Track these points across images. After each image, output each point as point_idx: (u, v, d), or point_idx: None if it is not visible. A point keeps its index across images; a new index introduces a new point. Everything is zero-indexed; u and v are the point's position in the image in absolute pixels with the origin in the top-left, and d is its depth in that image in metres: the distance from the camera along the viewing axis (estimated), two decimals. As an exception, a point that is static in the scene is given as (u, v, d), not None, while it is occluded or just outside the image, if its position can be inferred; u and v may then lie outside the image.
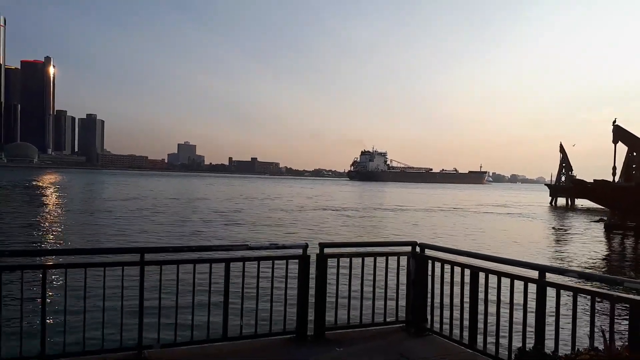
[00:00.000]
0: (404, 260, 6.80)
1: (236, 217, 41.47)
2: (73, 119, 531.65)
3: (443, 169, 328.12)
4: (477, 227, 41.33)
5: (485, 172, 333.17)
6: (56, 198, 58.68)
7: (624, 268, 24.14)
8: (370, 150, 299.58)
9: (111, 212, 41.46)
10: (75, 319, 5.82)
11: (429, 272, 6.59)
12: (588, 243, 33.27)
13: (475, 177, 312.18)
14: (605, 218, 45.26)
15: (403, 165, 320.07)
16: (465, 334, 5.90)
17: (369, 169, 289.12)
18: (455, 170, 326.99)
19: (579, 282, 5.20)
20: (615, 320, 4.39)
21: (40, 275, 5.04)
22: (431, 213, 55.61)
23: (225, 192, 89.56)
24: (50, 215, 38.18)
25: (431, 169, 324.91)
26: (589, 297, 4.64)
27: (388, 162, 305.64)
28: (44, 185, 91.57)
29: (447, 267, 6.29)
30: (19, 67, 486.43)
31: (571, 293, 4.80)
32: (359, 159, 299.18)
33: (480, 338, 5.71)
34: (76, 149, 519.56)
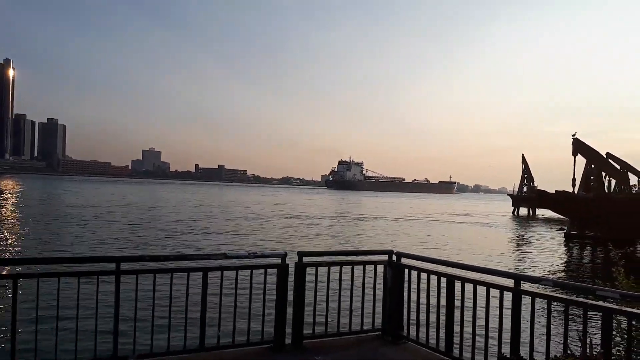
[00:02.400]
0: (381, 269, 6.87)
1: (211, 226, 40.93)
2: (33, 123, 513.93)
3: (415, 179, 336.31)
4: (447, 236, 42.14)
5: (455, 183, 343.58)
6: (16, 205, 56.60)
7: (585, 276, 24.98)
8: (348, 160, 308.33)
9: (71, 220, 40.28)
10: (47, 330, 5.64)
11: (406, 281, 6.67)
12: (549, 251, 34.35)
13: (445, 187, 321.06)
14: (565, 227, 46.79)
15: (378, 175, 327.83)
16: (442, 341, 5.98)
17: (347, 178, 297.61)
18: (427, 180, 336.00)
19: (553, 290, 5.35)
20: (588, 328, 4.54)
21: (12, 285, 4.87)
22: (405, 222, 56.34)
23: (198, 200, 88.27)
24: (8, 223, 36.79)
25: (404, 179, 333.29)
26: (562, 305, 4.79)
27: (364, 172, 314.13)
28: (1, 191, 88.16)
29: (424, 275, 6.38)
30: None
31: (545, 301, 4.94)
32: (336, 168, 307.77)
33: (456, 346, 5.80)
34: (36, 154, 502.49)
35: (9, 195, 76.68)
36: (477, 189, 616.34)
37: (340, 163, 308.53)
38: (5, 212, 45.23)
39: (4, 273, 5.48)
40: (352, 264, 6.83)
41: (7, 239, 27.73)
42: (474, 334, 5.59)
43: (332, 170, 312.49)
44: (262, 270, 6.16)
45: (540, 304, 5.01)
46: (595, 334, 4.49)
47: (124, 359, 5.29)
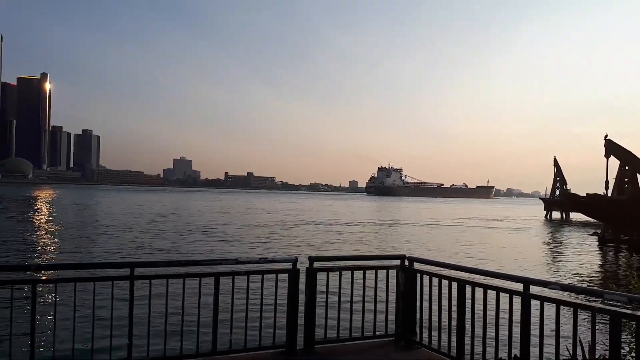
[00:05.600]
0: (393, 274, 6.87)
1: (243, 233, 41.41)
2: (69, 134, 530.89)
3: (453, 184, 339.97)
4: (478, 241, 41.65)
5: (493, 187, 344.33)
6: (48, 213, 58.44)
7: (612, 280, 24.25)
8: (387, 167, 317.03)
9: (102, 227, 41.35)
10: (64, 334, 5.84)
11: (418, 285, 6.65)
12: (582, 256, 33.43)
13: (483, 192, 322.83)
14: (598, 231, 45.44)
15: (416, 181, 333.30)
16: (453, 346, 5.95)
17: (386, 184, 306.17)
18: (465, 185, 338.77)
19: (563, 294, 5.28)
20: (597, 332, 4.46)
21: (31, 290, 5.08)
22: (438, 227, 55.91)
23: (225, 207, 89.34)
24: (40, 230, 38.02)
25: (442, 184, 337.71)
26: (571, 309, 4.71)
27: (403, 178, 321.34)
28: (37, 200, 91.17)
29: (435, 280, 6.35)
30: (15, 84, 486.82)
31: (554, 305, 4.88)
32: (376, 175, 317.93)
33: (467, 350, 5.76)
34: (71, 165, 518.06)
35: (43, 204, 79.17)
36: (509, 192, 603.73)
37: (380, 169, 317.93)
38: (36, 221, 46.71)
39: (23, 279, 5.71)
40: (364, 268, 6.85)
41: (31, 246, 28.64)
42: (484, 339, 5.55)
43: (372, 177, 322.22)
44: (274, 275, 6.24)
45: (549, 307, 4.95)
46: (605, 338, 4.41)
47: None
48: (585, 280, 24.43)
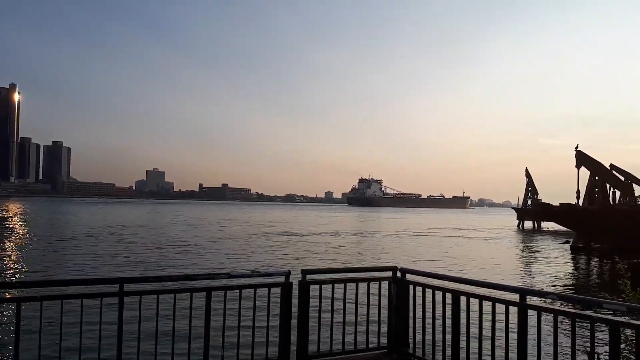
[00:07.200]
0: (385, 285, 6.82)
1: (226, 245, 40.85)
2: (38, 146, 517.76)
3: (430, 195, 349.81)
4: (456, 251, 42.09)
5: (468, 197, 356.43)
6: (20, 229, 56.74)
7: (592, 288, 24.74)
8: (368, 178, 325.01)
9: (78, 242, 40.32)
10: (51, 352, 5.62)
11: (411, 297, 6.61)
12: (556, 264, 34.09)
13: (460, 202, 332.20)
14: (570, 240, 46.48)
15: (395, 192, 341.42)
16: (448, 358, 5.91)
17: (367, 195, 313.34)
18: (442, 195, 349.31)
19: (559, 304, 5.30)
20: (596, 341, 4.48)
21: (15, 309, 4.86)
22: (417, 237, 56.29)
23: (204, 220, 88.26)
24: (12, 247, 36.83)
25: (420, 195, 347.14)
26: (569, 318, 4.73)
27: (383, 189, 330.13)
28: (6, 215, 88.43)
29: (429, 291, 6.33)
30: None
31: (552, 315, 4.89)
32: (357, 186, 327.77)
33: None
34: (40, 177, 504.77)
35: (14, 219, 76.80)
36: (481, 202, 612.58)
37: (361, 180, 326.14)
38: (10, 236, 45.28)
39: (7, 297, 5.48)
40: (357, 281, 6.80)
41: (10, 263, 27.71)
42: (480, 350, 5.51)
43: (353, 188, 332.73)
44: (266, 289, 6.13)
45: (546, 318, 4.96)
46: (603, 347, 4.43)
47: None
48: (567, 288, 24.88)
